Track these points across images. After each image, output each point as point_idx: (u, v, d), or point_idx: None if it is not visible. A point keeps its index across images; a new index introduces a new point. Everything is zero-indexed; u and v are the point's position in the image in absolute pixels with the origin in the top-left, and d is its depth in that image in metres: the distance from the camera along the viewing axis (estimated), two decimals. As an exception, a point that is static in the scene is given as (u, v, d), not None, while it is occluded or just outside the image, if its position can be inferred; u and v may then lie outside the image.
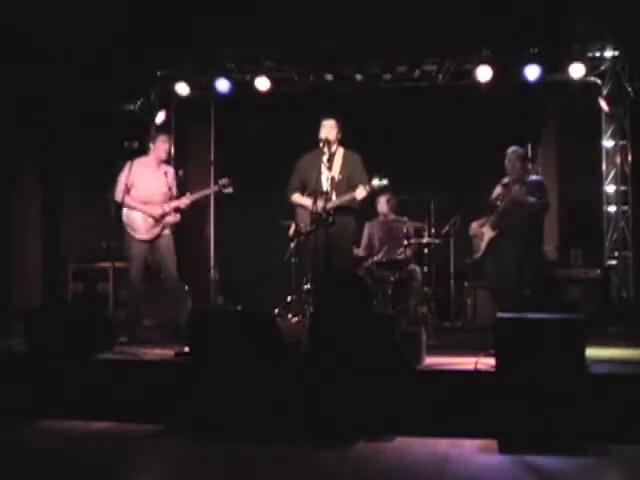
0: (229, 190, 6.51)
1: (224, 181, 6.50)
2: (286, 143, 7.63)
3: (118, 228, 6.27)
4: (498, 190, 6.07)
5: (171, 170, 6.63)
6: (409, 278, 7.24)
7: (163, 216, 6.39)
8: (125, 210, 6.33)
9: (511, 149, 6.05)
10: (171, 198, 6.47)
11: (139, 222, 6.33)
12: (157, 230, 6.39)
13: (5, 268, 7.91)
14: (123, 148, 6.23)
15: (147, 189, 6.37)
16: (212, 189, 6.72)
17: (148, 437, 4.46)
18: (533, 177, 6.23)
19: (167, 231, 6.48)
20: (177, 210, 6.49)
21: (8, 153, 7.89)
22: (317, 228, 5.80)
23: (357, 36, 7.37)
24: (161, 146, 6.50)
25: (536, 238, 6.03)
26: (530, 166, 6.44)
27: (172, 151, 8.90)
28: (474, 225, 6.17)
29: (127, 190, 6.24)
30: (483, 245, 6.06)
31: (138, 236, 6.33)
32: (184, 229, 9.06)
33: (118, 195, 6.27)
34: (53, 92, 7.90)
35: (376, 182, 5.80)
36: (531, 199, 5.83)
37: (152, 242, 6.39)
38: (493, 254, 5.99)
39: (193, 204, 6.61)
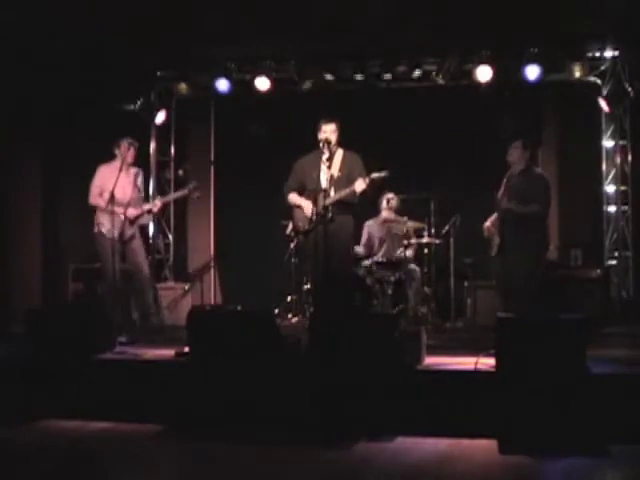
0: (197, 194, 6.73)
1: (192, 185, 6.66)
2: (286, 143, 7.62)
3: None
4: (503, 189, 6.02)
5: (140, 172, 6.67)
6: (409, 278, 7.24)
7: (137, 218, 6.49)
8: (98, 212, 6.38)
9: (516, 141, 5.97)
10: (141, 200, 6.57)
11: (112, 223, 6.23)
12: (132, 231, 6.45)
13: (5, 268, 7.91)
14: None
15: (119, 192, 6.23)
16: (182, 192, 6.84)
17: (148, 437, 4.46)
18: (538, 171, 6.14)
19: (138, 233, 6.58)
20: (149, 212, 6.62)
21: (8, 153, 7.88)
22: (316, 225, 5.79)
23: (357, 36, 7.36)
24: (125, 152, 6.46)
25: (542, 239, 5.97)
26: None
27: (172, 151, 8.94)
28: (487, 224, 6.10)
29: (100, 193, 6.36)
30: (495, 245, 6.01)
31: (110, 236, 6.25)
32: (183, 229, 9.14)
33: (90, 199, 6.41)
34: (53, 92, 7.90)
35: (375, 174, 5.80)
36: (522, 209, 5.74)
37: (126, 244, 6.41)
38: (501, 255, 5.97)
39: (164, 206, 6.90)
